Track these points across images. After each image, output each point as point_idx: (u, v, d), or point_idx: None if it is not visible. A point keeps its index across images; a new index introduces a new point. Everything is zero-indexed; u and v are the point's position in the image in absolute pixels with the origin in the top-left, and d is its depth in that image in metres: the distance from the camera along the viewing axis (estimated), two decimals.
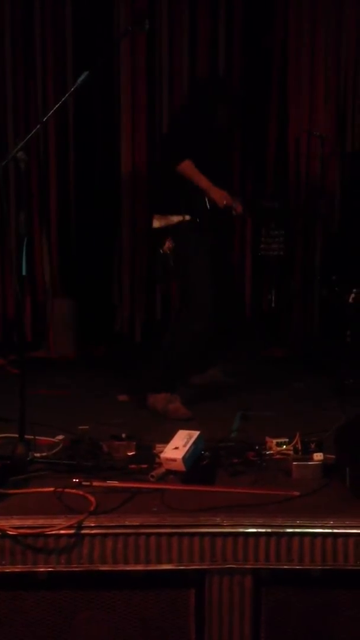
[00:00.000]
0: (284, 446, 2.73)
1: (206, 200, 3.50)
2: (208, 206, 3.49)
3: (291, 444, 2.70)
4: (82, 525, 2.17)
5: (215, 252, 3.59)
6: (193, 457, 2.55)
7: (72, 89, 2.66)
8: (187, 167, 3.43)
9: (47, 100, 5.11)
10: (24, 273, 2.59)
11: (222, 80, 4.65)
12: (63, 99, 2.66)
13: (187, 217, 3.47)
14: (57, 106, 2.65)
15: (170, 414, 3.28)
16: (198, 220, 3.49)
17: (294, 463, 2.55)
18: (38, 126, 2.65)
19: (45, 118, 2.70)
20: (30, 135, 2.59)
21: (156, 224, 3.54)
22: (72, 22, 5.11)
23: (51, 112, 2.69)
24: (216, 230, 3.59)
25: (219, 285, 3.52)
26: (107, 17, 5.09)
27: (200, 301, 3.41)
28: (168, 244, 3.48)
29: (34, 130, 2.62)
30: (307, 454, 2.59)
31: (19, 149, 2.51)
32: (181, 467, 2.50)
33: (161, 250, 3.51)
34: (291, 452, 2.67)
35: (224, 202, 3.51)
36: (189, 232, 3.48)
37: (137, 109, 5.18)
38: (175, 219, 3.48)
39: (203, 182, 3.47)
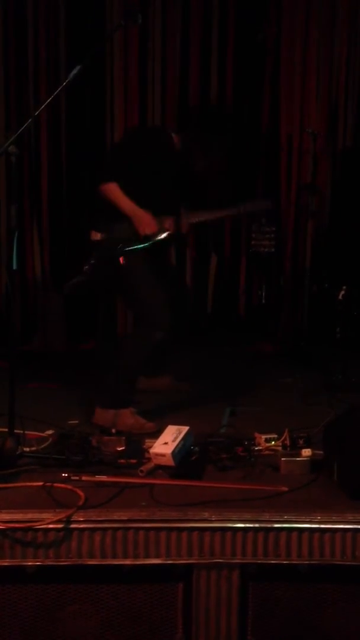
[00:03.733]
0: (273, 442, 2.74)
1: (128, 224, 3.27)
2: (128, 231, 3.27)
3: (280, 440, 2.72)
4: (71, 519, 2.18)
5: (158, 265, 3.40)
6: (182, 452, 2.56)
7: (65, 83, 2.65)
8: (110, 190, 3.22)
9: (39, 94, 5.10)
10: (14, 267, 2.59)
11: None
12: (55, 93, 2.65)
13: (109, 235, 3.29)
14: (49, 100, 2.64)
15: (136, 429, 3.05)
16: (118, 242, 3.27)
17: (283, 459, 2.57)
18: (30, 120, 2.64)
19: (37, 112, 2.69)
20: (22, 129, 2.58)
21: (93, 236, 3.37)
22: (64, 16, 5.09)
23: (43, 106, 2.68)
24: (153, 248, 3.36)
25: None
26: (99, 10, 5.07)
27: (149, 314, 3.21)
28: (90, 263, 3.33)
29: (25, 124, 2.61)
30: (295, 449, 2.61)
31: (10, 142, 2.50)
32: (170, 462, 2.51)
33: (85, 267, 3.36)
34: (280, 448, 2.69)
35: (145, 232, 3.26)
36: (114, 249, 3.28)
37: (129, 103, 5.17)
38: (99, 235, 3.32)
39: (126, 206, 3.24)
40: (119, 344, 3.48)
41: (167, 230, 3.38)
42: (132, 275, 3.28)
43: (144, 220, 3.27)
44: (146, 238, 3.29)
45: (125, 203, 3.23)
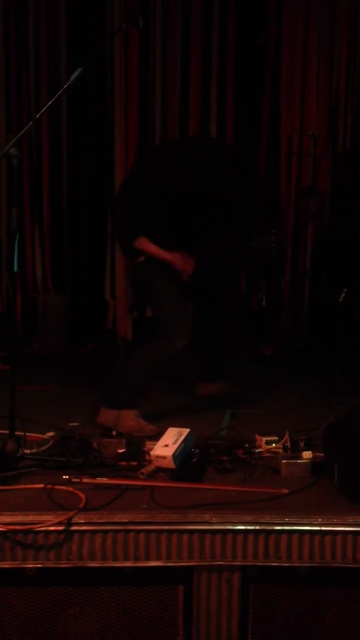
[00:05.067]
0: (273, 444, 2.74)
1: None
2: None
3: (280, 442, 2.72)
4: (72, 521, 2.17)
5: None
6: (183, 454, 2.56)
7: (66, 86, 2.65)
8: (143, 245, 3.32)
9: (40, 97, 5.11)
10: (15, 269, 2.59)
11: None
12: (56, 96, 2.66)
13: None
14: (50, 103, 2.65)
15: (136, 431, 3.09)
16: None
17: (283, 461, 2.57)
18: (31, 123, 2.64)
19: (39, 115, 2.70)
20: (23, 132, 2.58)
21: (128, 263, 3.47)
22: (65, 19, 5.11)
23: (44, 108, 2.69)
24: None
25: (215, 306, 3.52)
26: (101, 13, 5.09)
27: (171, 324, 3.27)
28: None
29: (26, 127, 2.61)
30: (296, 452, 2.61)
31: (11, 145, 2.51)
32: (171, 464, 2.51)
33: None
34: (280, 450, 2.69)
35: (187, 275, 3.39)
36: (148, 268, 3.39)
37: (129, 106, 5.18)
38: (139, 259, 3.40)
39: (162, 256, 3.34)
40: (136, 348, 3.53)
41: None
42: (156, 287, 3.36)
43: (182, 262, 3.38)
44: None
45: (159, 253, 3.34)
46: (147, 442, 2.75)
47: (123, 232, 3.48)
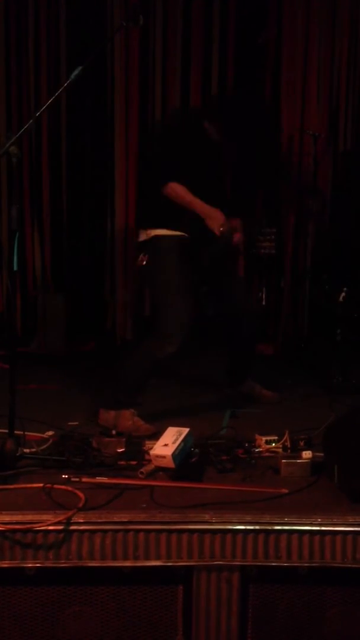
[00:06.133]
0: (273, 444, 2.74)
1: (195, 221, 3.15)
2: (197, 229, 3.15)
3: (280, 442, 2.72)
4: (71, 521, 2.17)
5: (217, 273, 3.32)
6: (182, 454, 2.55)
7: (66, 84, 2.65)
8: (177, 190, 3.10)
9: (40, 96, 5.10)
10: (15, 268, 2.58)
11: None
12: (56, 94, 2.65)
13: (170, 232, 3.17)
14: (50, 101, 2.65)
15: (132, 431, 3.03)
16: (186, 235, 3.16)
17: (283, 461, 2.56)
18: (31, 121, 2.64)
19: (38, 113, 2.70)
20: (23, 130, 2.58)
21: (142, 237, 3.27)
22: (65, 17, 5.10)
23: (44, 107, 2.69)
24: (208, 252, 3.25)
25: (233, 306, 3.37)
26: (101, 11, 5.08)
27: (166, 326, 3.13)
28: (142, 258, 3.22)
29: (26, 125, 2.60)
30: (295, 451, 2.61)
31: (11, 143, 2.50)
32: (170, 464, 2.50)
33: (137, 264, 3.27)
34: (280, 450, 2.68)
35: (221, 229, 3.14)
36: (168, 249, 3.17)
37: (130, 105, 5.18)
38: (155, 232, 3.19)
39: (197, 205, 3.13)
40: (131, 347, 3.48)
41: (236, 230, 3.27)
42: (163, 282, 3.21)
43: (217, 217, 3.14)
44: (223, 237, 3.17)
45: (196, 201, 3.11)
46: (147, 442, 2.74)
47: (156, 172, 3.18)
